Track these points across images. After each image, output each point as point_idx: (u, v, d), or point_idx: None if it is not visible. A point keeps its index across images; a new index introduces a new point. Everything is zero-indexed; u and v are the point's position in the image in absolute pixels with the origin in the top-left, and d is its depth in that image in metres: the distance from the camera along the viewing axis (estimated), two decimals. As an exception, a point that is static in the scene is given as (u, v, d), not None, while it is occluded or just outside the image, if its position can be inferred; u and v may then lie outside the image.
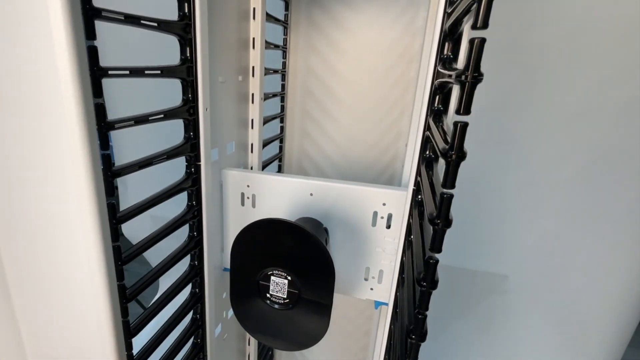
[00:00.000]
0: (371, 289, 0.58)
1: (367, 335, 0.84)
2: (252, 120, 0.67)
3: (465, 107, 0.24)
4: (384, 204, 0.54)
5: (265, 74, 0.68)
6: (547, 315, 1.20)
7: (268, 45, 0.69)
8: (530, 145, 1.05)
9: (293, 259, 0.44)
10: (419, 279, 0.29)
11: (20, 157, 0.36)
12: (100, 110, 0.34)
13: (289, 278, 0.45)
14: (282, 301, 0.45)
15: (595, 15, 0.88)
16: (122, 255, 0.38)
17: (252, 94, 0.66)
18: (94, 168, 0.33)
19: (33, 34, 0.31)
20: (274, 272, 0.45)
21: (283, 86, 0.81)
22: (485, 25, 0.23)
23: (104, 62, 0.34)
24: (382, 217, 0.55)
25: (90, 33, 0.32)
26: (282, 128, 0.82)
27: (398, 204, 0.53)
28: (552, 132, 1.02)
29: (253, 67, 0.65)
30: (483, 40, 0.23)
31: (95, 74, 0.33)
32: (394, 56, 0.76)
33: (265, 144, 0.75)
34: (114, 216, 0.36)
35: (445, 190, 0.27)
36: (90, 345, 0.40)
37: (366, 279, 0.58)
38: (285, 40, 0.79)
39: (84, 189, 0.33)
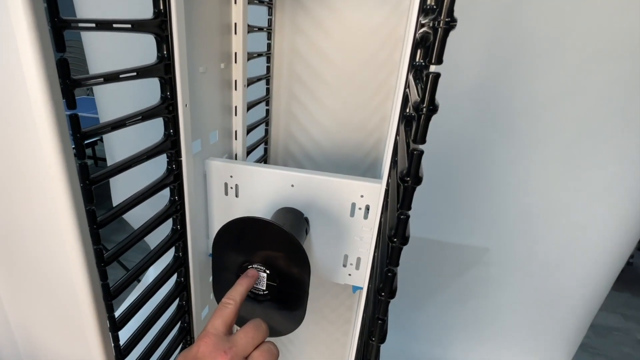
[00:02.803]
0: (349, 274, 0.61)
1: (348, 322, 0.88)
2: (236, 107, 0.67)
3: (437, 56, 0.24)
4: (361, 196, 0.56)
5: (249, 59, 0.68)
6: (524, 285, 1.27)
7: (251, 28, 0.68)
8: (515, 122, 1.07)
9: (270, 254, 0.46)
10: (390, 236, 0.29)
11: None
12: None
13: (268, 272, 0.47)
14: (262, 292, 0.48)
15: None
16: (97, 218, 0.38)
17: (235, 81, 0.66)
18: (71, 181, 0.34)
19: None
20: (254, 266, 0.47)
21: (268, 68, 0.80)
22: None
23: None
24: (359, 208, 0.57)
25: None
26: (267, 111, 0.82)
27: (374, 195, 0.55)
28: (537, 111, 1.03)
29: (235, 53, 0.64)
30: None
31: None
32: (380, 38, 0.75)
33: (251, 129, 0.75)
34: (87, 176, 0.36)
35: (415, 146, 0.26)
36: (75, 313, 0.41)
37: (344, 266, 0.61)
38: (270, 20, 0.77)
39: (61, 198, 0.34)
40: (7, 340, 0.47)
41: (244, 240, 0.47)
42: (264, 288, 0.48)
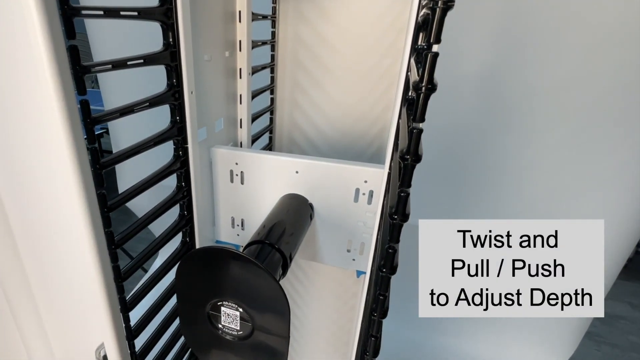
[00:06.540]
0: (353, 259, 0.62)
1: (353, 309, 0.90)
2: (241, 95, 0.68)
3: (435, 35, 0.25)
4: (365, 181, 0.57)
5: (253, 47, 0.68)
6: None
7: (255, 16, 0.68)
8: (521, 110, 1.06)
9: (242, 290, 0.40)
10: (391, 213, 0.29)
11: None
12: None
13: (240, 310, 0.41)
14: (235, 332, 0.42)
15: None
16: (107, 202, 0.39)
17: (240, 69, 0.66)
18: (81, 165, 0.35)
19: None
20: (224, 302, 0.41)
21: (273, 57, 0.81)
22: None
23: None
24: (363, 194, 0.57)
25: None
26: (272, 100, 0.83)
27: (377, 180, 0.55)
28: (543, 98, 1.02)
29: (240, 42, 0.65)
30: None
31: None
32: (383, 26, 0.75)
33: (255, 117, 0.76)
34: (98, 161, 0.37)
35: (415, 125, 0.27)
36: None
37: (349, 251, 0.62)
38: (274, 9, 0.77)
39: (73, 181, 0.35)
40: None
41: (210, 274, 0.40)
42: (238, 327, 0.41)
